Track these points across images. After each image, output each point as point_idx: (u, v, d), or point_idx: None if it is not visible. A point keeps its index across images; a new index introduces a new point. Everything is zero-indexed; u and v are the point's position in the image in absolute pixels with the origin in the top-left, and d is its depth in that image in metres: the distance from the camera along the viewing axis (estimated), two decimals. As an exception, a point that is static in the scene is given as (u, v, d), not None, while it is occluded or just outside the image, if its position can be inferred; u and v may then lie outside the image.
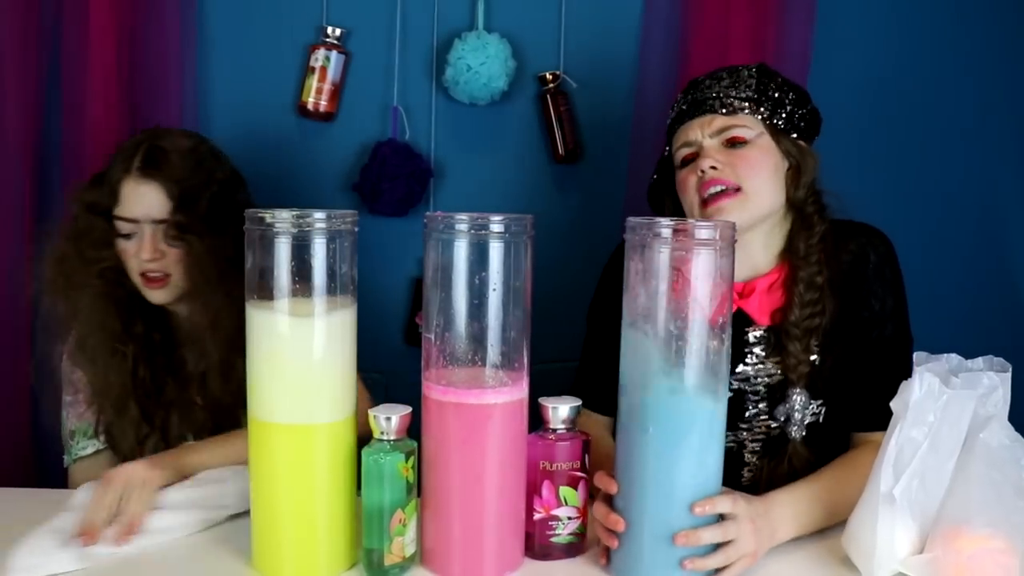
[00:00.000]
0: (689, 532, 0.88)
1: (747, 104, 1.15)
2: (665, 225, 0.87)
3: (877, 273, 1.14)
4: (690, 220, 0.88)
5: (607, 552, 0.94)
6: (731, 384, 1.16)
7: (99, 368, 1.27)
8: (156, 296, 1.26)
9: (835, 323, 1.14)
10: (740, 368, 1.17)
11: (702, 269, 0.87)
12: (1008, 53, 1.69)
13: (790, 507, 0.99)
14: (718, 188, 1.12)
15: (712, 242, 0.87)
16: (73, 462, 1.31)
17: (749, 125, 1.14)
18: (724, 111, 1.15)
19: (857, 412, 1.13)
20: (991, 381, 0.93)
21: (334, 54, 1.61)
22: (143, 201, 1.23)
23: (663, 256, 0.87)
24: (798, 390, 1.13)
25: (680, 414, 0.88)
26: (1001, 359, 0.96)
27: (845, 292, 1.14)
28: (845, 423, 1.14)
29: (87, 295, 1.25)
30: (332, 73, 1.62)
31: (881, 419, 1.06)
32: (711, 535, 0.89)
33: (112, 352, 1.26)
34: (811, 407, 1.14)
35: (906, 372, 1.05)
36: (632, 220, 0.90)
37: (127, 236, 1.24)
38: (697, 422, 0.88)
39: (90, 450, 1.30)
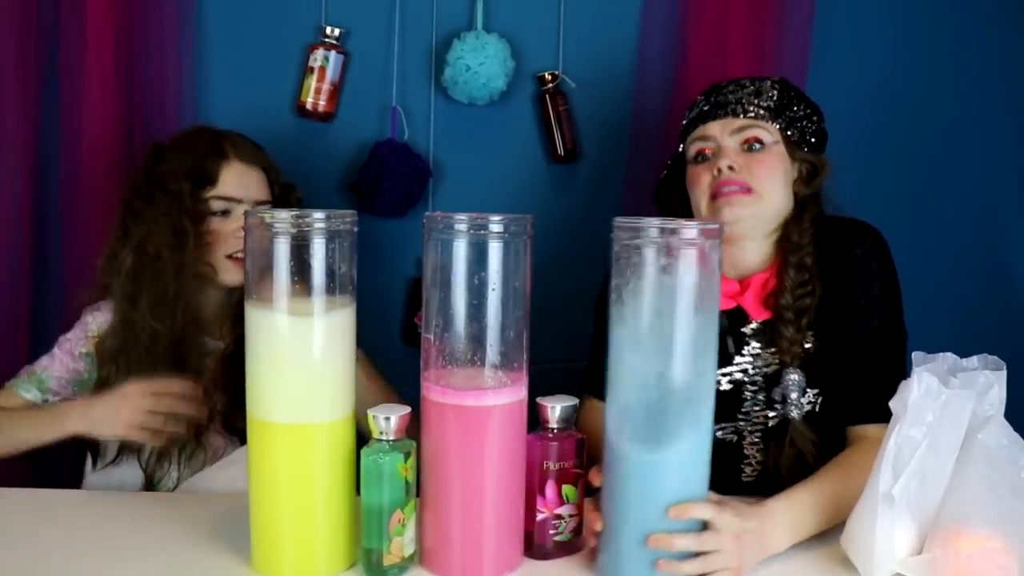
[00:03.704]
0: (662, 535, 0.86)
1: (768, 113, 1.19)
2: (652, 225, 0.86)
3: (864, 265, 1.16)
4: (678, 220, 0.86)
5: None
6: (730, 375, 1.19)
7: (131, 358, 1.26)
8: (239, 277, 1.30)
9: (824, 308, 1.16)
10: (737, 360, 1.19)
11: (689, 268, 0.85)
12: (1006, 55, 1.69)
13: (785, 516, 0.97)
14: (732, 188, 1.16)
15: (698, 242, 0.85)
16: (4, 389, 1.29)
17: (768, 131, 1.19)
18: (745, 115, 1.18)
19: (846, 406, 1.14)
20: (987, 380, 0.93)
21: (333, 54, 1.61)
22: (248, 182, 1.32)
23: (649, 256, 0.85)
24: (791, 370, 1.15)
25: (664, 415, 0.86)
26: (996, 357, 0.96)
27: (832, 279, 1.16)
28: (838, 416, 1.15)
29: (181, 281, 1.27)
30: (331, 73, 1.62)
31: (870, 412, 1.09)
32: (685, 543, 0.86)
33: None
34: (807, 395, 1.15)
35: (895, 365, 1.10)
36: (619, 220, 0.88)
37: (224, 213, 1.31)
38: (683, 424, 0.86)
39: (27, 398, 1.27)
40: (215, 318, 1.36)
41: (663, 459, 0.87)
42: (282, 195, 1.40)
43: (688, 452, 0.88)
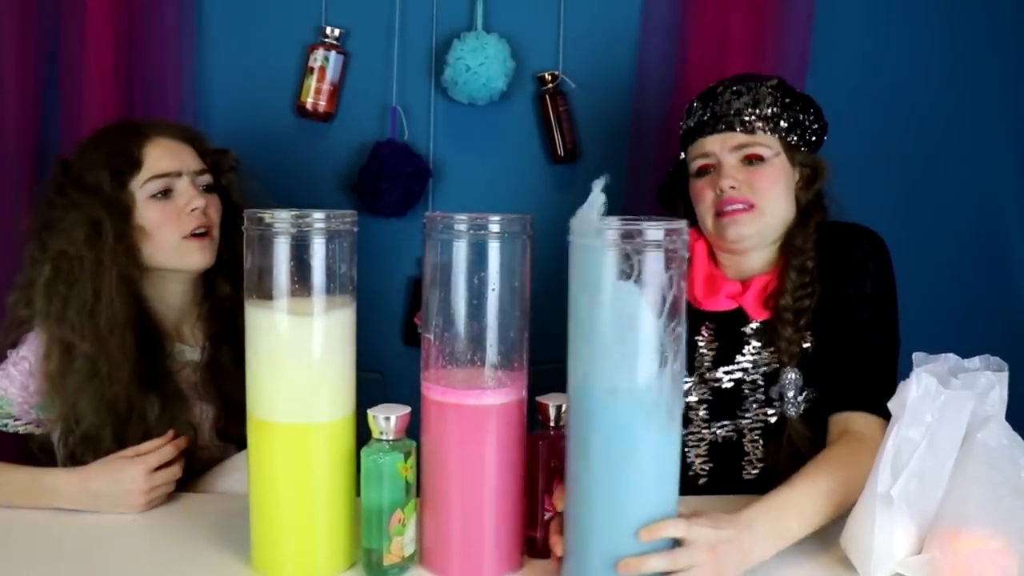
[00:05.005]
0: (631, 560, 0.81)
1: (767, 123, 1.19)
2: (612, 226, 0.80)
3: (860, 266, 1.17)
4: (641, 219, 0.81)
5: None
6: (731, 374, 1.22)
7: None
8: (205, 257, 1.22)
9: (821, 309, 1.17)
10: (738, 358, 1.22)
11: (652, 270, 0.80)
12: (1006, 56, 1.69)
13: (766, 523, 0.92)
14: (736, 207, 1.17)
15: (660, 242, 0.80)
16: None
17: (768, 144, 1.19)
18: (743, 130, 1.19)
19: (830, 393, 1.13)
20: (988, 381, 0.93)
21: (333, 54, 1.61)
22: (179, 154, 1.21)
23: (610, 257, 0.80)
24: (789, 369, 1.17)
25: (627, 425, 0.81)
26: (997, 358, 0.96)
27: (830, 281, 1.17)
28: (826, 407, 1.14)
29: (112, 277, 1.15)
30: (331, 73, 1.62)
31: (852, 400, 1.10)
32: (658, 562, 0.81)
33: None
34: (805, 394, 1.16)
35: (881, 358, 1.12)
36: (575, 221, 0.84)
37: (164, 194, 1.19)
38: (649, 434, 0.81)
39: None
40: (182, 322, 1.28)
41: (628, 469, 0.81)
42: (215, 163, 1.28)
43: (657, 458, 0.83)
